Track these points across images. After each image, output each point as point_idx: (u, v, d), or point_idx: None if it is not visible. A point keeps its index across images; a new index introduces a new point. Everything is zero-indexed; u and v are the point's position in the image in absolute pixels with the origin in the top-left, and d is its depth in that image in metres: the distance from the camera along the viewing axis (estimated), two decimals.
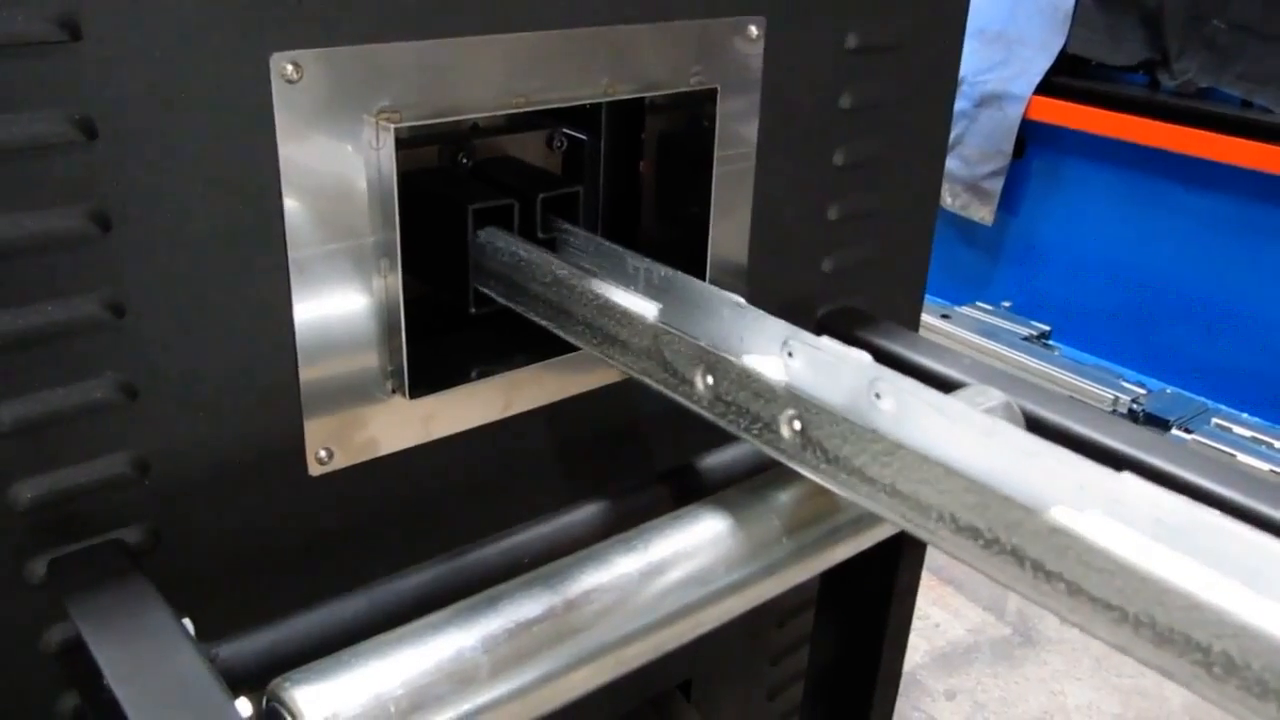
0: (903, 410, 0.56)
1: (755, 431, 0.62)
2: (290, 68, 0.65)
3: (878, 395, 0.57)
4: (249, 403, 0.70)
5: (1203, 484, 0.73)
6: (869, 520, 0.70)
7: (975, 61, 3.04)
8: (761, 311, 0.66)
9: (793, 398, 0.59)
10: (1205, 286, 2.87)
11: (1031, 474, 0.51)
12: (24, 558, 0.64)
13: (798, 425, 0.59)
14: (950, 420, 0.54)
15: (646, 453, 0.96)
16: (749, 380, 0.62)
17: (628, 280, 0.76)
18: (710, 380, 0.64)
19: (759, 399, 0.61)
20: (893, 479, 0.55)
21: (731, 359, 0.62)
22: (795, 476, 0.64)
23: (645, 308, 0.68)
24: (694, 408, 0.66)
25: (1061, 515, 0.47)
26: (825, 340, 0.61)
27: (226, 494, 0.71)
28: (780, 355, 0.63)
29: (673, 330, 0.66)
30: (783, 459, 0.61)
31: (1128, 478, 0.49)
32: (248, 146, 0.65)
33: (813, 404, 0.58)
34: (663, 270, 0.75)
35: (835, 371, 0.60)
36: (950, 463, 0.52)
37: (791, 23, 0.89)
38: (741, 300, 0.68)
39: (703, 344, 0.64)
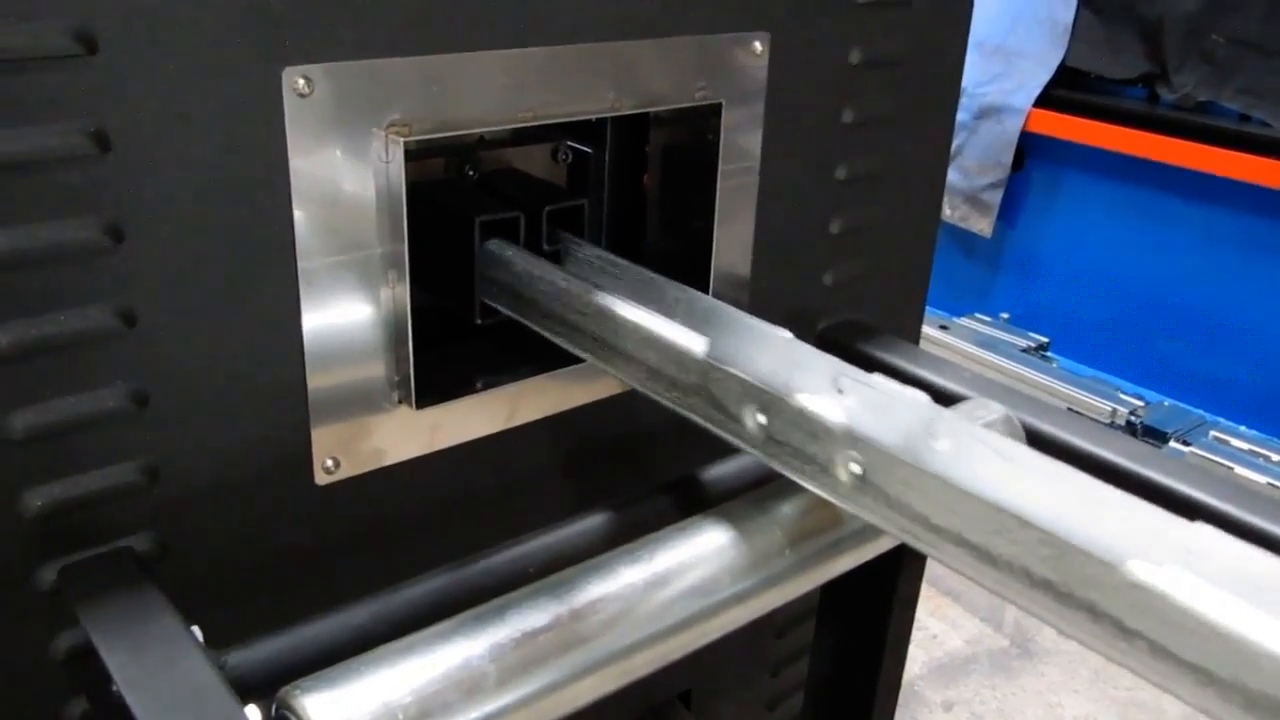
0: (960, 452, 0.53)
1: (810, 473, 0.60)
2: (301, 82, 0.66)
3: (934, 436, 0.54)
4: (257, 412, 0.71)
5: (1203, 499, 0.74)
6: (871, 532, 0.71)
7: (975, 74, 3.05)
8: (809, 346, 0.64)
9: (852, 439, 0.57)
10: (1204, 299, 2.88)
11: (1103, 523, 0.48)
12: (35, 564, 0.64)
13: (857, 468, 0.57)
14: (1011, 463, 0.52)
15: (650, 463, 0.97)
16: (805, 420, 0.59)
17: (667, 311, 0.74)
18: (763, 419, 0.62)
19: (815, 440, 0.59)
20: (960, 528, 0.52)
21: (787, 398, 0.60)
22: (797, 489, 0.65)
23: (693, 341, 0.66)
24: (742, 445, 0.64)
25: (1140, 570, 0.44)
26: (878, 378, 0.59)
27: (234, 502, 0.71)
28: (831, 393, 0.60)
29: (724, 367, 0.63)
30: (838, 501, 0.59)
31: (1203, 528, 0.47)
32: (259, 159, 0.66)
33: (875, 447, 0.55)
34: (704, 301, 0.74)
35: (889, 410, 0.57)
36: (1021, 512, 0.49)
37: (795, 38, 0.90)
38: (789, 334, 0.65)
39: (755, 381, 0.61)
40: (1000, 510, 0.50)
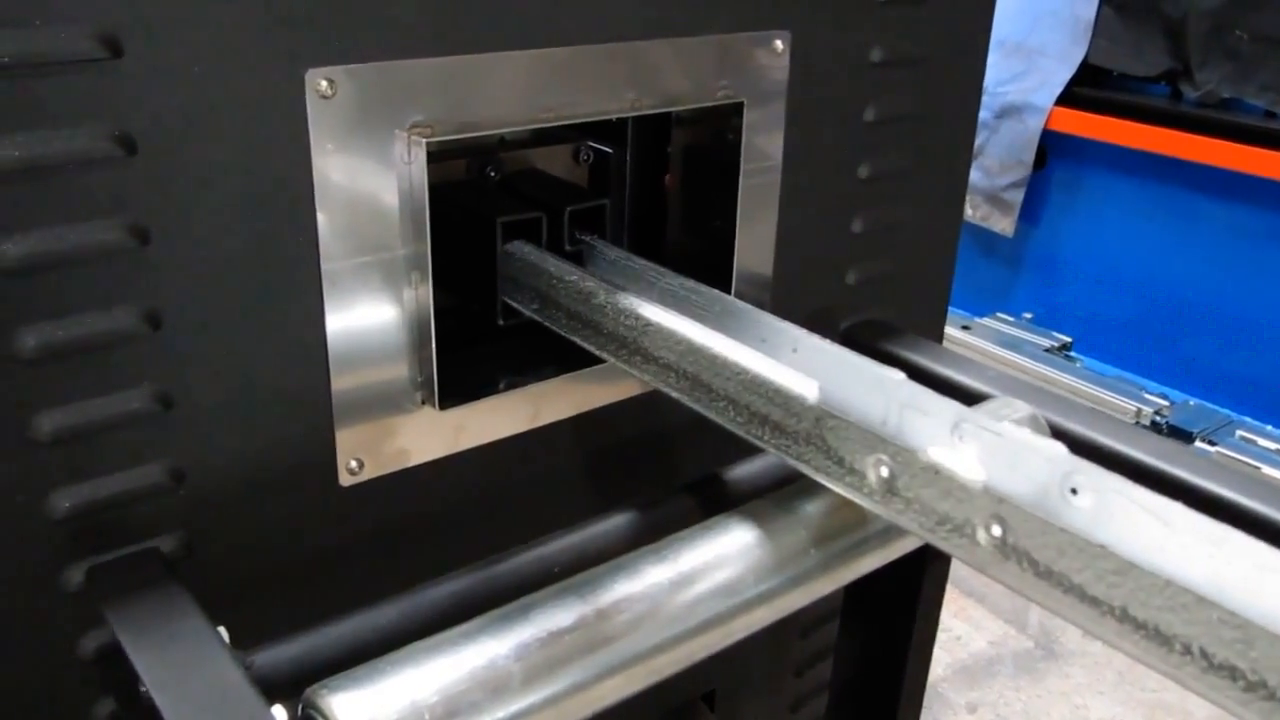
0: (1104, 509, 0.49)
1: (942, 534, 0.55)
2: (325, 84, 0.66)
3: (1074, 490, 0.50)
4: (282, 413, 0.71)
5: (1231, 497, 0.73)
6: (895, 533, 0.70)
7: (996, 72, 3.04)
8: (922, 387, 0.58)
9: (993, 499, 0.52)
10: (1229, 297, 2.85)
11: None
12: (62, 565, 0.65)
13: (997, 530, 0.52)
14: (1164, 524, 0.47)
15: (673, 463, 0.96)
16: (937, 477, 0.54)
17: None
18: (886, 473, 0.57)
19: (948, 498, 0.54)
20: (1124, 602, 0.47)
21: (916, 451, 0.55)
22: (822, 489, 0.65)
23: (805, 387, 0.61)
24: (857, 497, 0.59)
25: None
26: (1007, 426, 0.54)
27: (259, 503, 0.72)
28: (953, 441, 0.55)
29: (840, 416, 0.58)
30: (974, 564, 0.54)
31: None
32: (282, 161, 0.66)
33: (1018, 507, 0.50)
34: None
35: (1020, 461, 0.52)
36: (1192, 585, 0.44)
37: (817, 37, 0.90)
38: (900, 374, 0.60)
39: (882, 435, 0.56)
40: (1171, 584, 0.45)
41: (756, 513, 0.67)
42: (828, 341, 0.64)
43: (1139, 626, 0.47)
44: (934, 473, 0.54)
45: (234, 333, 0.67)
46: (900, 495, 0.56)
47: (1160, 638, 0.46)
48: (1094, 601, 0.48)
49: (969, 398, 0.84)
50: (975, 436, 0.54)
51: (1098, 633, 0.49)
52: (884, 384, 0.59)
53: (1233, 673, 0.43)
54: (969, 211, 3.21)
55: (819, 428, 0.60)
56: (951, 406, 0.56)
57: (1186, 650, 0.45)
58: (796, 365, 0.64)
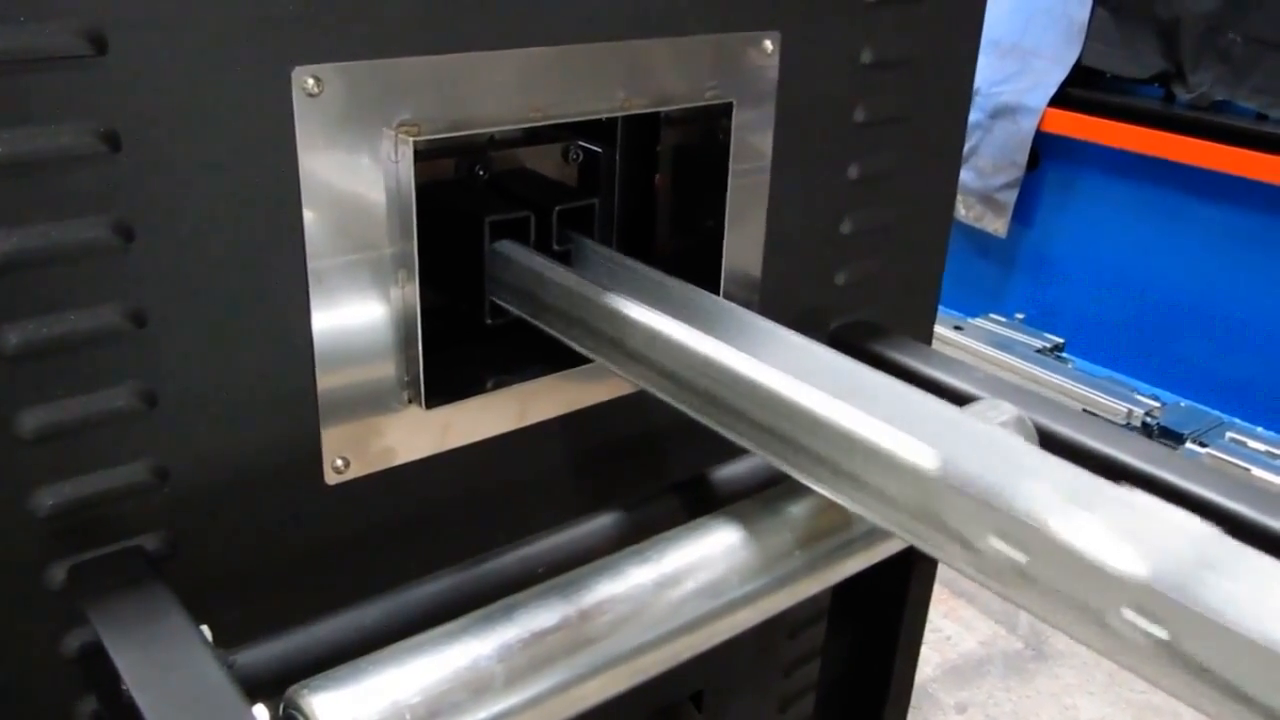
0: (1246, 590, 0.44)
1: (1074, 622, 0.49)
2: (311, 81, 0.66)
3: (1222, 575, 0.45)
4: (267, 412, 0.71)
5: (1217, 500, 0.73)
6: (881, 534, 0.70)
7: (989, 73, 3.04)
8: (1054, 458, 0.52)
9: (1142, 589, 0.45)
10: (1220, 300, 2.86)
11: None
12: (44, 564, 0.65)
13: (1145, 624, 0.45)
14: None
15: (660, 463, 0.96)
16: (1073, 560, 0.48)
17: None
18: (1009, 549, 0.51)
19: (1083, 581, 0.48)
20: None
21: (1052, 533, 0.49)
22: (807, 490, 0.65)
23: (921, 454, 0.54)
24: (969, 571, 0.53)
25: None
26: (1140, 495, 0.49)
27: (244, 502, 0.71)
28: (1080, 513, 0.49)
29: (962, 490, 0.52)
30: (1123, 659, 0.48)
31: None
32: (269, 159, 0.66)
33: (1167, 599, 0.44)
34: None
35: (1153, 536, 0.47)
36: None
37: (806, 37, 0.90)
38: (1032, 444, 0.54)
39: (1011, 511, 0.50)
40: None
41: (741, 514, 0.67)
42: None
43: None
44: (1070, 557, 0.49)
45: (219, 331, 0.67)
46: (1024, 575, 0.51)
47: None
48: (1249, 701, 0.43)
49: (956, 399, 0.84)
50: (1104, 508, 0.49)
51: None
52: (1000, 448, 0.55)
53: None
54: (962, 212, 3.22)
55: (932, 502, 0.55)
56: (1070, 472, 0.52)
57: None
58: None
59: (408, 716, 0.52)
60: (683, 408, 0.68)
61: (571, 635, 0.58)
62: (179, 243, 0.64)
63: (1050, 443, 0.80)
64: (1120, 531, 0.47)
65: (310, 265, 0.69)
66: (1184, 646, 0.44)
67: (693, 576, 0.63)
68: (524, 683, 0.56)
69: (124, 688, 0.54)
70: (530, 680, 0.56)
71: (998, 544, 0.51)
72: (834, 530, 0.68)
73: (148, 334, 0.64)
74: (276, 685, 0.55)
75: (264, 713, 0.52)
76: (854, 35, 0.93)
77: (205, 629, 0.59)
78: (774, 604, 0.66)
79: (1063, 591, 0.49)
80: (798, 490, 0.68)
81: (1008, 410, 0.78)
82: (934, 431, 0.55)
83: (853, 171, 0.98)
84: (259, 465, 0.71)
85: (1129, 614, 0.46)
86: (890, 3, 0.94)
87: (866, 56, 0.95)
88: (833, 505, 0.67)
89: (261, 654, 0.62)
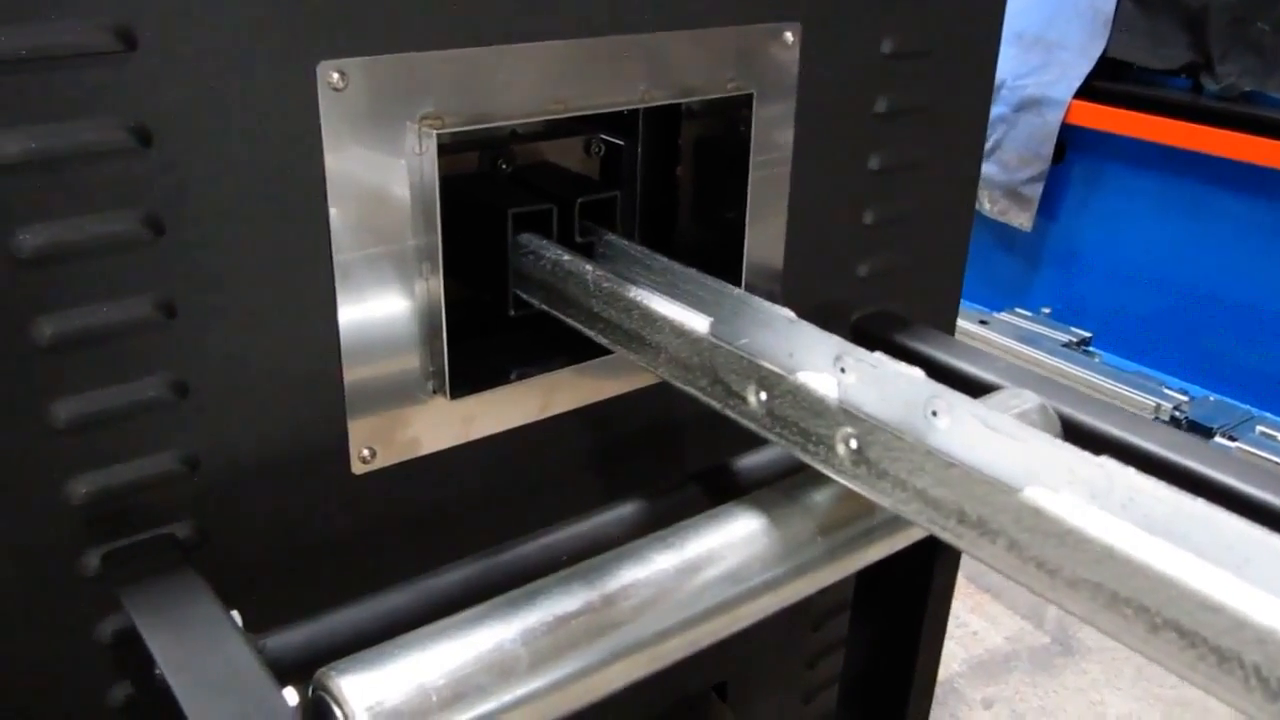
0: (957, 427, 0.55)
1: (809, 449, 0.62)
2: (336, 76, 0.67)
3: (934, 413, 0.56)
4: (295, 402, 0.72)
5: (1250, 492, 0.73)
6: (902, 522, 0.70)
7: (1014, 66, 3.02)
8: (813, 326, 0.65)
9: (848, 415, 0.59)
10: (1249, 292, 2.83)
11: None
12: (79, 551, 0.66)
13: (854, 444, 0.59)
14: (1005, 436, 0.54)
15: (681, 453, 0.97)
16: (803, 397, 0.61)
17: (675, 293, 0.76)
18: (763, 396, 0.64)
19: (814, 416, 0.61)
20: (958, 501, 0.54)
21: (785, 375, 0.62)
22: (828, 479, 0.65)
23: (696, 321, 0.68)
24: (745, 422, 0.66)
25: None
26: (879, 356, 0.60)
27: (273, 491, 0.72)
28: (833, 371, 0.62)
29: (725, 344, 0.66)
30: (835, 475, 0.61)
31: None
32: (294, 152, 0.67)
33: (868, 422, 0.58)
34: (710, 281, 0.75)
35: (890, 388, 0.59)
36: (1008, 480, 0.52)
37: (827, 28, 0.90)
38: (792, 314, 0.67)
39: (756, 360, 0.64)
40: (987, 480, 0.52)
41: (763, 501, 0.67)
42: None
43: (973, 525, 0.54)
44: (801, 394, 0.62)
45: (247, 322, 0.68)
46: (776, 416, 0.64)
47: (982, 527, 0.53)
48: (935, 504, 0.56)
49: (980, 388, 0.84)
50: (854, 368, 0.61)
51: (938, 532, 0.56)
52: (777, 322, 0.66)
53: (1040, 566, 0.51)
54: (987, 206, 3.20)
55: (708, 357, 0.67)
56: (835, 342, 0.62)
57: (993, 536, 0.52)
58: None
59: (434, 698, 0.53)
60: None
61: (595, 619, 0.59)
62: (208, 236, 0.65)
63: (1073, 431, 0.80)
64: (854, 382, 0.63)
65: (336, 258, 0.70)
66: (871, 454, 0.58)
67: (715, 563, 0.63)
68: (548, 666, 0.57)
69: (157, 671, 0.55)
70: (554, 663, 0.57)
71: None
72: (855, 518, 0.69)
73: (178, 326, 0.65)
74: (305, 669, 0.56)
75: (294, 694, 0.53)
76: (875, 26, 0.94)
77: (236, 614, 0.60)
78: (795, 590, 0.67)
79: (796, 423, 0.62)
80: (819, 479, 0.68)
81: (1030, 399, 0.78)
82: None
83: (874, 162, 0.98)
84: (287, 455, 0.72)
85: (843, 437, 0.59)
86: None
87: (887, 47, 0.95)
88: (853, 494, 0.67)
89: (290, 638, 0.63)
